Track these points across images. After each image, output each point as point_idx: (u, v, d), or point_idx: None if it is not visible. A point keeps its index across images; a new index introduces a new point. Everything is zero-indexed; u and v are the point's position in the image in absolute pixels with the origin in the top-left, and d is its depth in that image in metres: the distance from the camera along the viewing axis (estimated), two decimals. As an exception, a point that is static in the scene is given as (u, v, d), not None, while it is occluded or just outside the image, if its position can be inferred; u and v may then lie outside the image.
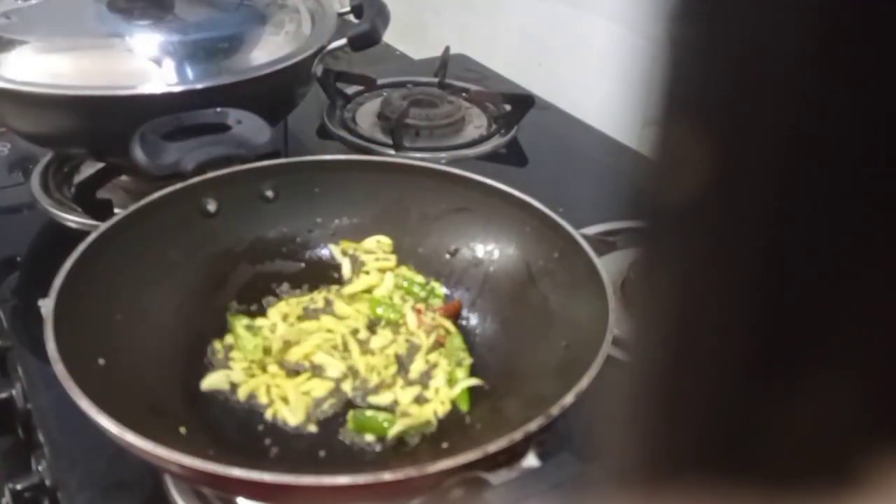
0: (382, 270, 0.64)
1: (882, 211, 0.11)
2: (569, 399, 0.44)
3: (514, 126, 0.96)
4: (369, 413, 0.54)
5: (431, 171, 0.66)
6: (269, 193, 0.65)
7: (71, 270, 0.51)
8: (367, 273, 0.64)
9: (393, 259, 0.65)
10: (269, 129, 0.70)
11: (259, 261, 0.64)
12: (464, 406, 0.55)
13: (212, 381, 0.56)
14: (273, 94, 0.81)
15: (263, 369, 0.57)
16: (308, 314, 0.61)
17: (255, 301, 0.62)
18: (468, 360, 0.58)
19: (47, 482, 0.55)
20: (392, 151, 0.90)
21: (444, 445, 0.52)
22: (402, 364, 0.58)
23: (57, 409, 0.57)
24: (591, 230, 0.74)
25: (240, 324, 0.59)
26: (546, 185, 0.81)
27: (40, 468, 0.56)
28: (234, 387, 0.55)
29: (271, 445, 0.52)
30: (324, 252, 0.66)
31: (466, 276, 0.64)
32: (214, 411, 0.54)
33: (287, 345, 0.57)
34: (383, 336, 0.59)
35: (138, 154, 0.64)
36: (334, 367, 0.56)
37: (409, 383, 0.56)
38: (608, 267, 0.55)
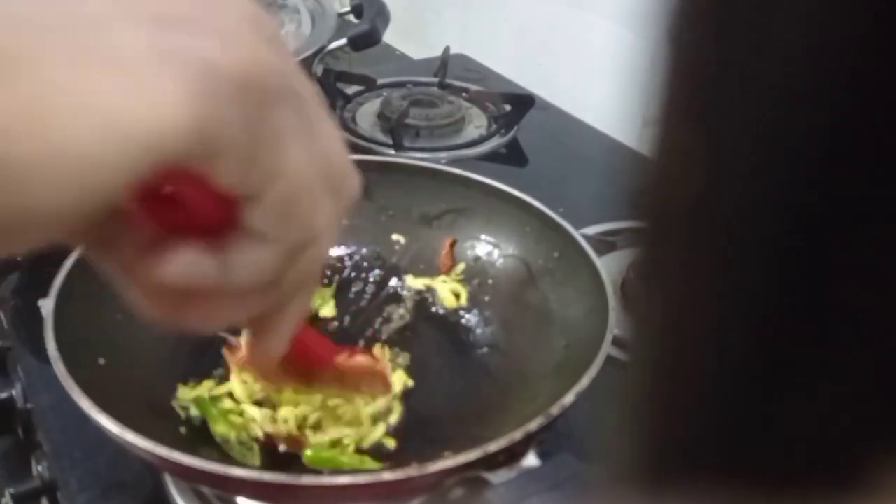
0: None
1: (884, 210, 0.11)
2: (569, 399, 0.44)
3: (514, 126, 0.96)
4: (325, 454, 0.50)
5: (431, 171, 0.66)
6: (270, 193, 0.65)
7: (71, 270, 0.51)
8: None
9: None
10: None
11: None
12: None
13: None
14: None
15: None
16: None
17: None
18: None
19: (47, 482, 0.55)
20: (392, 151, 0.90)
21: (445, 445, 0.52)
22: None
23: (57, 409, 0.57)
24: (591, 230, 0.74)
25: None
26: (546, 185, 0.81)
27: (40, 468, 0.56)
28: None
29: (271, 445, 0.52)
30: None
31: (466, 276, 0.64)
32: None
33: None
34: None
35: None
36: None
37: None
38: (608, 267, 0.55)
